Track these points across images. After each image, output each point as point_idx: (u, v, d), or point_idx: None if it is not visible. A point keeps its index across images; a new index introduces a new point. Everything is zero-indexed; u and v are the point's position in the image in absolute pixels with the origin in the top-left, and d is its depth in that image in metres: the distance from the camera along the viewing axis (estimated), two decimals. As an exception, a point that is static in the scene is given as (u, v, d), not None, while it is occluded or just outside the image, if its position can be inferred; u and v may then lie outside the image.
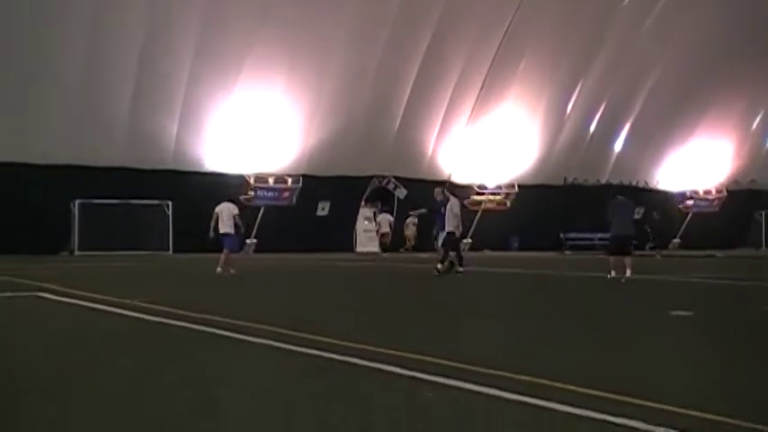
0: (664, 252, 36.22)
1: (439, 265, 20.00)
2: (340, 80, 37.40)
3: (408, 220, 38.06)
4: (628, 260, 18.32)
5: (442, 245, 20.84)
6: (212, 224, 20.82)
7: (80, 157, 33.27)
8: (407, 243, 39.76)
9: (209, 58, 34.63)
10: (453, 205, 20.52)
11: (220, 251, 21.00)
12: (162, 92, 34.61)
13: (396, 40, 37.50)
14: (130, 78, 33.73)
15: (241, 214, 21.58)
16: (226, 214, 20.82)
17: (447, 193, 21.01)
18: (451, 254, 20.81)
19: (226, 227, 20.72)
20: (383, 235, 36.37)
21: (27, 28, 31.47)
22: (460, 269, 20.29)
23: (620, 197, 19.64)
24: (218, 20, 34.04)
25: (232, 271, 20.28)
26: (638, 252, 22.57)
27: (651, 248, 37.76)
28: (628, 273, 18.00)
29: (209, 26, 33.99)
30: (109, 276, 19.85)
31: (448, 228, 20.34)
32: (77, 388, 6.24)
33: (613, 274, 18.14)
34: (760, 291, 16.86)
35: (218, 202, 21.53)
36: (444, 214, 20.59)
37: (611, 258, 18.63)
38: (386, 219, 36.66)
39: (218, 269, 20.29)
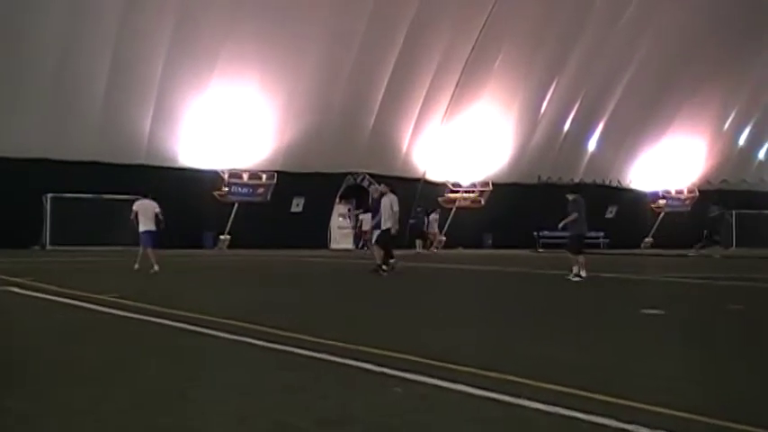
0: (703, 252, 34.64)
1: (384, 266, 19.46)
2: (315, 77, 37.31)
3: (361, 216, 38.10)
4: (580, 260, 18.17)
5: (376, 242, 20.54)
6: (133, 220, 20.28)
7: (52, 151, 32.98)
8: (433, 239, 40.17)
9: (183, 53, 34.43)
10: (393, 203, 19.76)
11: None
12: (136, 86, 34.38)
13: (371, 38, 37.47)
14: (104, 72, 33.49)
15: (162, 211, 20.63)
16: (144, 212, 20.28)
17: (386, 191, 20.39)
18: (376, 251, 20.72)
19: (146, 224, 20.19)
20: (365, 232, 36.68)
21: (0, 22, 31.14)
22: (385, 268, 19.47)
23: (574, 195, 19.01)
24: (193, 15, 33.86)
25: (136, 266, 19.59)
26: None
27: (705, 246, 36.52)
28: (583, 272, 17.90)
29: (184, 21, 33.81)
30: (80, 271, 19.74)
31: (384, 225, 19.83)
32: (49, 383, 6.19)
33: (584, 273, 17.74)
34: (730, 290, 17.01)
35: (139, 198, 20.92)
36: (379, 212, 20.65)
37: (581, 257, 18.13)
38: (368, 217, 36.95)
39: (155, 267, 19.43)
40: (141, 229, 20.20)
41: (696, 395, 5.76)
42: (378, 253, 20.10)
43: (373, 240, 21.30)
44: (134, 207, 20.54)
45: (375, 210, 21.45)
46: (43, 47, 31.99)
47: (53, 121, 32.80)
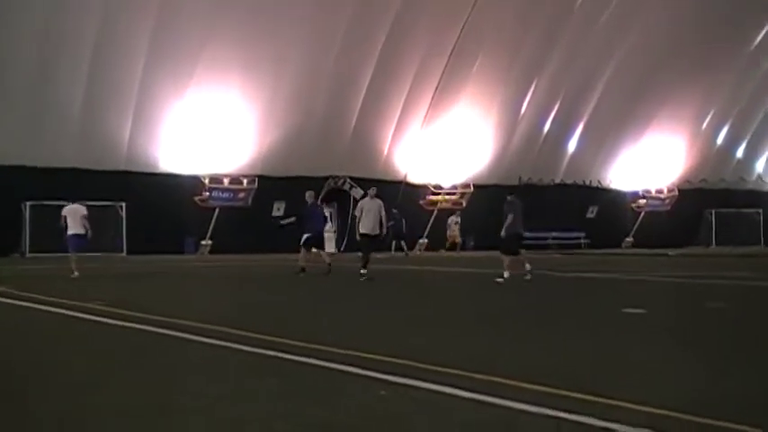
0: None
1: (363, 270, 18.73)
2: (295, 81, 37.29)
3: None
4: (522, 258, 18.65)
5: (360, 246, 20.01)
6: (63, 225, 20.67)
7: (31, 158, 32.83)
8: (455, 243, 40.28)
9: (162, 58, 34.33)
10: (380, 208, 19.24)
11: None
12: (115, 92, 34.25)
13: (351, 41, 37.49)
14: (83, 78, 33.35)
15: (89, 216, 21.34)
16: (73, 216, 20.71)
17: (373, 194, 19.82)
18: (322, 255, 21.26)
19: (75, 228, 20.65)
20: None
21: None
22: (363, 272, 18.71)
23: (511, 196, 19.54)
24: (172, 19, 33.74)
25: (76, 273, 19.88)
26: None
27: None
28: (526, 267, 18.30)
29: (163, 25, 33.69)
30: (62, 279, 19.62)
31: (367, 229, 19.12)
32: (33, 393, 6.17)
33: (507, 275, 17.89)
34: (710, 288, 17.12)
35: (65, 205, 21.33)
36: (317, 216, 21.62)
37: (508, 258, 18.48)
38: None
39: (75, 274, 19.89)
40: (69, 232, 20.59)
41: (678, 393, 5.81)
42: (311, 257, 20.30)
43: (301, 242, 21.59)
44: (63, 212, 20.88)
45: (307, 216, 21.65)
46: (21, 54, 31.84)
47: (32, 128, 32.63)
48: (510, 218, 18.59)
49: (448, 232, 41.90)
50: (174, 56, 34.55)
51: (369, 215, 19.18)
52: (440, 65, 40.61)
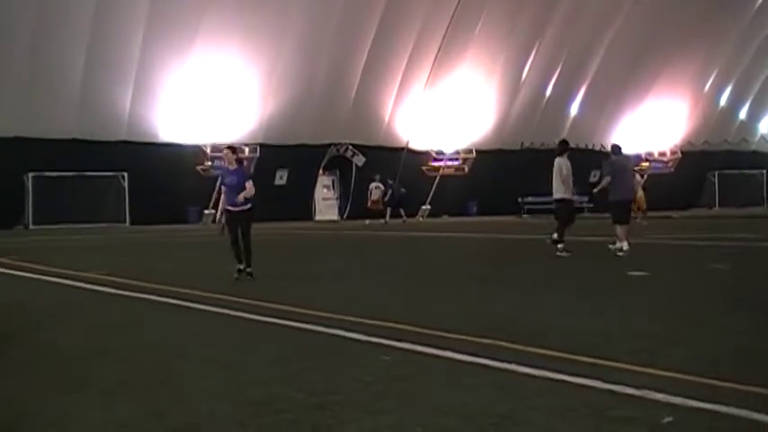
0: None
1: (554, 235, 15.78)
2: (296, 48, 37.06)
3: (372, 185, 38.02)
4: (622, 231, 15.41)
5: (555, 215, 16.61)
6: None
7: (32, 130, 32.72)
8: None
9: (162, 27, 34.08)
10: (562, 166, 15.77)
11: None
12: (115, 61, 34.02)
13: (352, 6, 37.23)
14: (83, 48, 33.13)
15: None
16: None
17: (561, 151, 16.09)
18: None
19: None
20: (374, 202, 36.77)
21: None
22: (561, 246, 15.46)
23: (615, 156, 16.32)
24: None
25: None
26: None
27: None
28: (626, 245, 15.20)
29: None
30: (65, 249, 19.67)
31: (557, 193, 15.92)
32: (35, 362, 6.18)
33: (625, 246, 15.07)
34: (713, 250, 17.10)
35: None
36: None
37: (620, 228, 15.33)
38: (379, 187, 37.04)
39: None
40: None
41: (682, 354, 5.81)
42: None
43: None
44: None
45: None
46: (20, 25, 31.63)
47: (32, 99, 32.49)
48: (605, 181, 15.68)
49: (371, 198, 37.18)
50: (175, 23, 34.25)
51: (569, 176, 15.88)
52: (442, 27, 40.29)
